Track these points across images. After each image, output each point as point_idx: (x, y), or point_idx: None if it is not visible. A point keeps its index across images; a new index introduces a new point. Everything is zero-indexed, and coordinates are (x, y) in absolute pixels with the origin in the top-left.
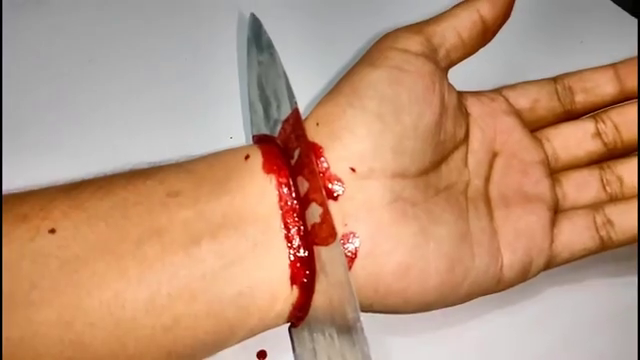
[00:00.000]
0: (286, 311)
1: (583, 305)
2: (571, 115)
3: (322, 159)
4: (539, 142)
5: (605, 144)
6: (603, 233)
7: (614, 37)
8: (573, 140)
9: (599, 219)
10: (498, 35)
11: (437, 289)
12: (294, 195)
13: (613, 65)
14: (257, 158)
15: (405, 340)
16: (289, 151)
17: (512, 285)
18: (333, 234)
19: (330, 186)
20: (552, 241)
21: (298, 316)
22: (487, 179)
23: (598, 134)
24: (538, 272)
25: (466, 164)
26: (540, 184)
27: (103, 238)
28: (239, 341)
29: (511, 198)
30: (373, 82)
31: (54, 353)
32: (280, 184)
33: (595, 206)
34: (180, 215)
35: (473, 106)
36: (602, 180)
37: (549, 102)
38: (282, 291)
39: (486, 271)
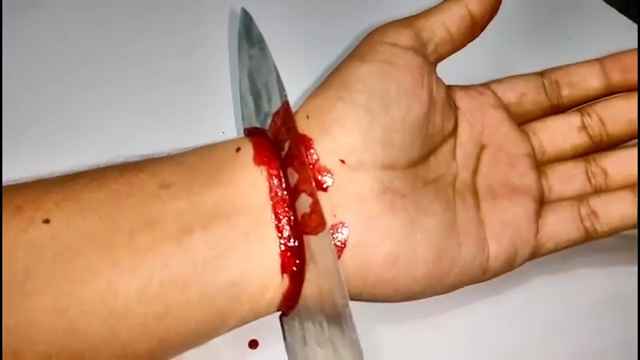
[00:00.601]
0: (277, 300)
1: (570, 294)
2: (558, 109)
3: (312, 151)
4: (526, 135)
5: (591, 137)
6: (587, 224)
7: (602, 34)
8: (559, 133)
9: (583, 210)
10: (487, 31)
11: (425, 279)
12: (284, 186)
13: (599, 60)
14: (248, 150)
15: (393, 328)
16: (279, 143)
17: (498, 274)
18: (322, 223)
19: (320, 177)
20: (537, 232)
21: (288, 305)
22: (475, 171)
23: (584, 127)
24: (523, 262)
25: (454, 157)
26: (526, 176)
27: (96, 229)
28: (231, 329)
29: (498, 190)
30: (362, 76)
31: (48, 341)
32: (271, 175)
33: (580, 198)
34: (172, 206)
35: (461, 100)
36: (587, 173)
37: (536, 96)
38: (273, 280)
39: (472, 261)
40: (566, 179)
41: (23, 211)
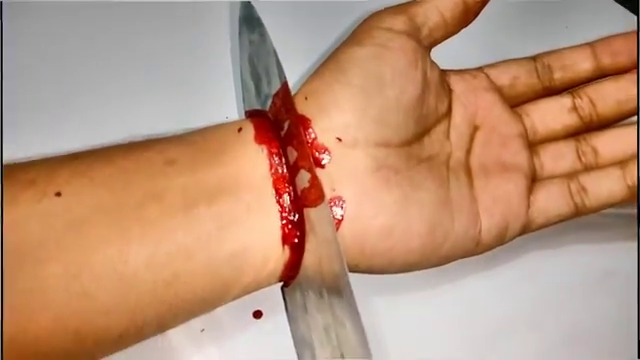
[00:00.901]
0: (278, 270)
1: (562, 270)
2: (550, 91)
3: (310, 130)
4: (518, 117)
5: (581, 118)
6: (577, 200)
7: (599, 23)
8: (551, 114)
9: (573, 187)
10: (483, 17)
11: (419, 250)
12: (284, 164)
13: (590, 44)
14: (249, 130)
15: (391, 300)
16: (279, 123)
17: (490, 248)
18: (321, 196)
19: (317, 155)
20: (528, 207)
21: (289, 275)
22: (468, 151)
23: (575, 108)
24: (515, 236)
25: (448, 137)
26: (518, 155)
27: (105, 202)
28: (235, 298)
29: (490, 168)
30: (358, 59)
31: (60, 305)
32: (271, 154)
33: (570, 175)
34: (178, 182)
35: (456, 83)
36: (578, 151)
37: (528, 79)
38: (274, 252)
39: (465, 234)
40: (557, 157)
41: (36, 184)
